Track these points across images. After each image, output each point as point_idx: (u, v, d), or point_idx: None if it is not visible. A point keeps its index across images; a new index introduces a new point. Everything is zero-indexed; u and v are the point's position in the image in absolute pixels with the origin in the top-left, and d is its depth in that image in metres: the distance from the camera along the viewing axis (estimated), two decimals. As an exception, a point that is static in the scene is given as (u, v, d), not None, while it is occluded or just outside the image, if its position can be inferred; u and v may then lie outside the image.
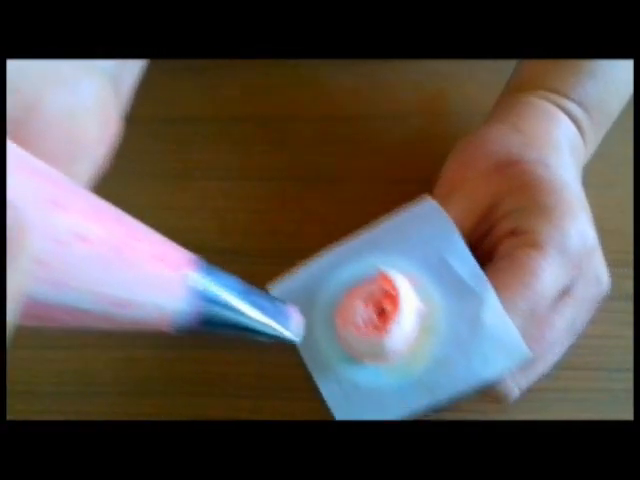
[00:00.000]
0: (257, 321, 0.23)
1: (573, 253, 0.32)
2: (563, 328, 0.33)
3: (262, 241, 0.42)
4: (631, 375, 0.36)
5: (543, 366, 0.33)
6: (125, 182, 0.42)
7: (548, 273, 0.31)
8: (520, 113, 0.37)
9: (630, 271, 0.39)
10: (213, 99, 0.48)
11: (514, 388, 0.33)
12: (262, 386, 0.38)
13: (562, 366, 0.37)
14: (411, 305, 0.31)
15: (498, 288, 0.31)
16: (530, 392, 0.37)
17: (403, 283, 0.31)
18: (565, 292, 0.33)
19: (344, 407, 0.31)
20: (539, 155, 0.35)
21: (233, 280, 0.23)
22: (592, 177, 0.43)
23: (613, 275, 0.37)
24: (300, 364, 0.35)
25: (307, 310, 0.28)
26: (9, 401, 0.38)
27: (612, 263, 0.40)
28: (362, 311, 0.31)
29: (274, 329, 0.23)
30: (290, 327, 0.24)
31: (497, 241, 0.34)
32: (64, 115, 0.22)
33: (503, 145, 0.35)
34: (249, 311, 0.23)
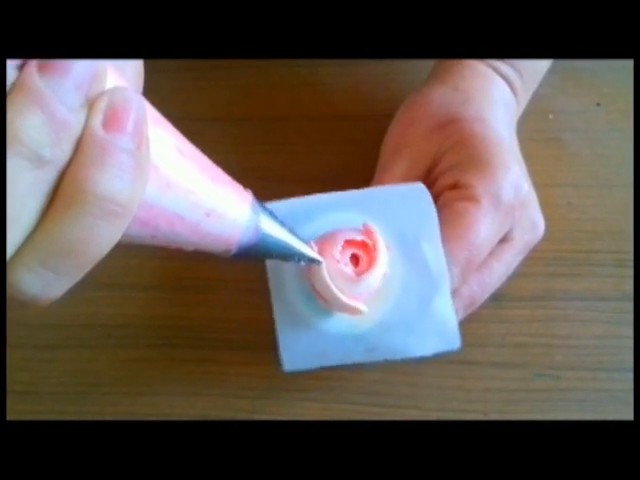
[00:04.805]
0: (295, 246, 0.28)
1: (507, 204, 0.35)
2: (501, 271, 0.36)
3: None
4: (631, 375, 0.36)
5: (479, 303, 0.37)
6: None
7: (483, 225, 0.34)
8: (460, 73, 0.40)
9: (630, 271, 0.39)
10: (213, 99, 0.48)
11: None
12: (262, 386, 0.38)
13: (562, 366, 0.38)
14: (383, 264, 0.32)
15: None
16: (530, 392, 0.37)
17: (382, 242, 0.33)
18: (503, 239, 0.36)
19: (293, 355, 0.34)
20: (476, 112, 0.37)
21: (275, 213, 0.27)
22: (592, 177, 0.43)
23: (613, 275, 0.37)
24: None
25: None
26: (9, 401, 0.38)
27: (612, 263, 0.40)
28: (340, 249, 0.32)
29: (308, 253, 0.29)
30: (314, 253, 0.30)
31: (439, 193, 0.36)
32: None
33: (444, 105, 0.38)
34: (289, 237, 0.28)
